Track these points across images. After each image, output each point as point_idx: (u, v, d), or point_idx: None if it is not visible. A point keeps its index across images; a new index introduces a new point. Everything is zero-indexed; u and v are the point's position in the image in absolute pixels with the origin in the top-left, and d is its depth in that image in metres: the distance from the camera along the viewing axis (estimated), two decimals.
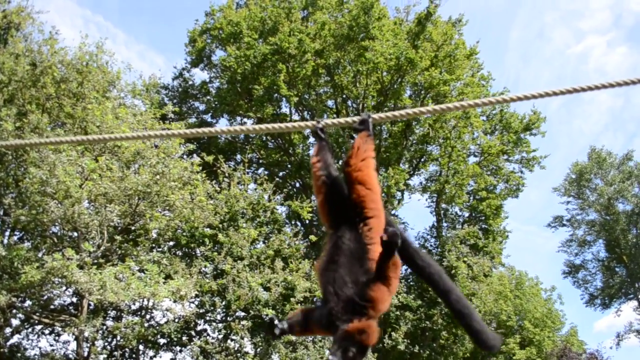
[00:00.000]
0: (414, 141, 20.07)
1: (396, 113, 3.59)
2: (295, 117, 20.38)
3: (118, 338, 12.94)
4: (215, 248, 13.36)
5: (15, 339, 13.67)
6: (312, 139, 20.03)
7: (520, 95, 3.32)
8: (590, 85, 3.32)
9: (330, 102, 20.19)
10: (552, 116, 74.20)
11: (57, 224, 11.97)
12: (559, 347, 27.15)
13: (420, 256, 2.89)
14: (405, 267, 2.90)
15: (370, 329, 2.39)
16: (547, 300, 31.50)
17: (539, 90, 3.32)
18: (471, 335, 2.83)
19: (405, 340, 16.29)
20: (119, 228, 12.65)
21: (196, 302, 13.14)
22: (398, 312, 17.28)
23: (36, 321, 13.27)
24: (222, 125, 22.91)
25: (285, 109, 20.65)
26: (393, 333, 16.40)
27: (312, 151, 3.85)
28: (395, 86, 19.12)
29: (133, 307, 13.86)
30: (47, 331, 13.95)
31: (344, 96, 19.91)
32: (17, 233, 13.82)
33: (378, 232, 2.60)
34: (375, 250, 2.55)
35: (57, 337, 13.90)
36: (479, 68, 20.87)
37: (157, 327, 12.76)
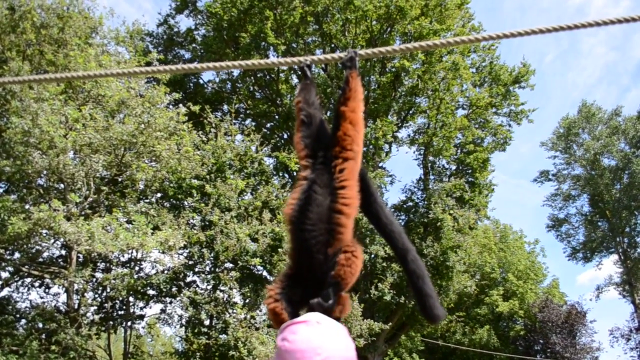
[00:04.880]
0: (403, 93, 19.85)
1: (382, 49, 3.52)
2: (282, 67, 20.06)
3: (108, 290, 12.98)
4: (203, 199, 13.30)
5: (5, 291, 13.70)
6: None
7: (507, 33, 3.19)
8: (569, 24, 3.03)
9: (318, 52, 19.84)
10: (546, 68, 73.65)
11: (42, 175, 11.81)
12: (540, 299, 27.94)
13: (384, 213, 2.84)
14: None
15: (346, 301, 2.43)
16: (531, 253, 32.23)
17: (525, 28, 3.18)
18: (419, 298, 2.70)
19: (391, 291, 16.54)
20: (106, 179, 12.52)
21: (185, 254, 13.16)
22: (384, 264, 17.51)
23: (25, 273, 13.26)
24: (208, 74, 22.56)
25: (272, 58, 20.28)
26: (379, 284, 16.65)
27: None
28: (384, 36, 18.78)
29: (122, 260, 13.86)
30: (36, 283, 13.89)
31: (333, 45, 19.53)
32: (3, 185, 13.65)
33: (351, 176, 2.60)
34: (345, 195, 2.56)
35: (47, 290, 13.86)
36: (470, 18, 20.52)
37: (147, 279, 12.78)
